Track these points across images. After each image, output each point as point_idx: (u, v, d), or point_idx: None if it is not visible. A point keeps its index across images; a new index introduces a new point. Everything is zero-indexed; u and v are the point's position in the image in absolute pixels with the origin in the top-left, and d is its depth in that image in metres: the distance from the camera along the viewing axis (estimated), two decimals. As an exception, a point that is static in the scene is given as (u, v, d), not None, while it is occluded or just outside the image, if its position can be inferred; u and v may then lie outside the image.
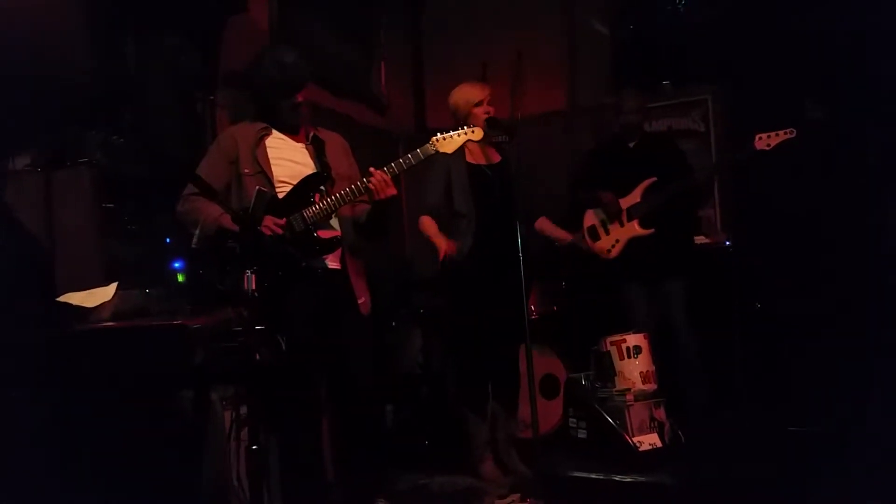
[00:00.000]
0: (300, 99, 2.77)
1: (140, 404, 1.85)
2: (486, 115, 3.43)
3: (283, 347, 2.25)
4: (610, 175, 3.88)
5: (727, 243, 4.27)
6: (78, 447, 1.79)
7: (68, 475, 1.79)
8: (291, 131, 2.84)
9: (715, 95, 4.86)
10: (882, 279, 3.79)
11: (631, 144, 3.95)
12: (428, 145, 2.79)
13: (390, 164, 2.74)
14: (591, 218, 3.92)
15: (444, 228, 3.53)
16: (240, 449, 2.21)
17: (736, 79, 4.62)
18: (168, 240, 3.06)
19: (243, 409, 2.33)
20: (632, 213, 3.79)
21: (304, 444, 2.71)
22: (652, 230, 3.76)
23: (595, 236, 3.90)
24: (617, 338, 3.16)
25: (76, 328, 1.83)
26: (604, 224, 3.88)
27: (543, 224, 3.73)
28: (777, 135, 3.45)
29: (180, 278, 2.95)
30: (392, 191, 2.73)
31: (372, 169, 2.71)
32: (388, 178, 2.70)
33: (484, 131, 3.02)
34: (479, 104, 3.47)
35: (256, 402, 2.03)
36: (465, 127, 2.86)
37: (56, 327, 1.80)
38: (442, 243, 3.41)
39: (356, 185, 2.71)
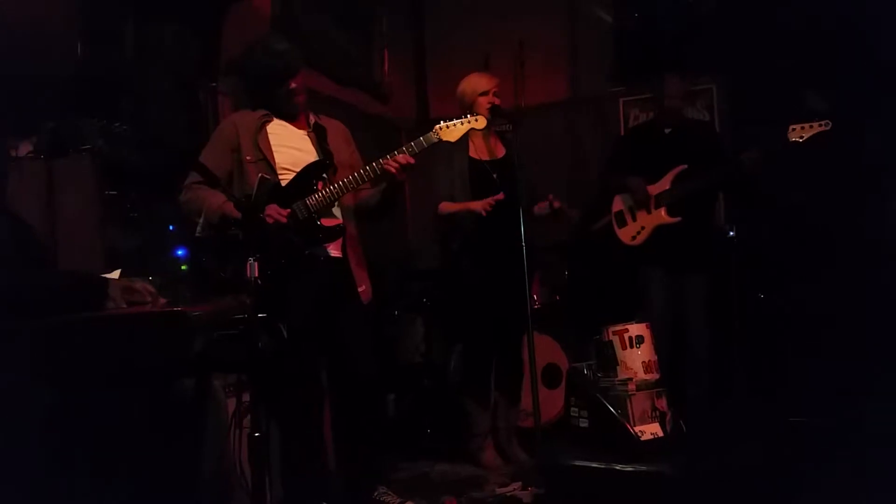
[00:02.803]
0: (293, 85, 2.75)
1: (141, 392, 1.85)
2: (490, 105, 3.43)
3: (285, 335, 2.24)
4: (643, 160, 3.82)
5: (731, 234, 4.25)
6: (77, 435, 1.79)
7: (67, 463, 1.79)
8: (289, 118, 2.83)
9: (719, 85, 4.85)
10: (884, 271, 3.78)
11: (667, 130, 3.87)
12: (431, 133, 2.80)
13: (393, 151, 2.74)
14: (618, 203, 3.87)
15: (442, 217, 3.55)
16: (241, 436, 2.21)
17: (740, 68, 4.60)
18: (171, 227, 3.06)
19: (245, 397, 2.33)
20: (659, 200, 3.72)
21: (306, 432, 2.72)
22: (678, 219, 3.70)
23: (621, 222, 3.85)
24: (619, 327, 3.15)
25: (75, 316, 1.82)
26: (631, 210, 3.81)
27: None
28: (811, 126, 3.31)
29: (183, 266, 2.95)
30: (403, 174, 2.75)
31: (396, 156, 2.71)
32: (412, 160, 2.71)
33: (487, 120, 3.02)
34: (484, 93, 3.48)
35: (258, 390, 2.03)
36: (469, 115, 2.87)
37: (56, 315, 1.79)
38: (475, 204, 3.38)
39: (360, 173, 2.72)
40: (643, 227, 3.77)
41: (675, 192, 3.69)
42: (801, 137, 3.34)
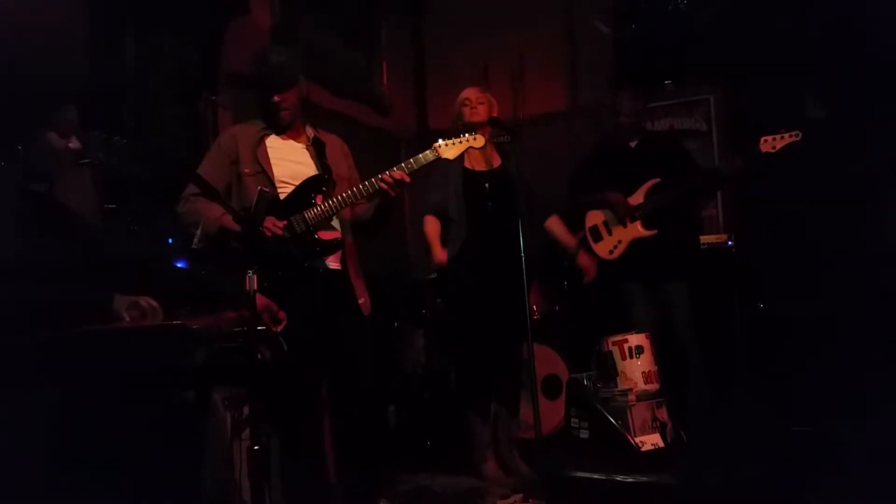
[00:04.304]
0: (276, 99, 2.75)
1: (141, 405, 1.85)
2: (472, 115, 3.51)
3: (285, 348, 2.24)
4: (612, 176, 3.84)
5: (730, 243, 4.26)
6: (78, 448, 1.79)
7: (68, 476, 1.78)
8: (278, 131, 2.83)
9: (717, 95, 4.86)
10: (883, 279, 3.78)
11: (632, 144, 3.91)
12: (429, 151, 2.80)
13: (392, 167, 2.74)
14: (593, 218, 3.89)
15: (443, 230, 3.58)
16: (242, 449, 2.21)
17: (738, 78, 4.62)
18: (170, 240, 3.06)
19: (245, 410, 2.33)
20: (634, 213, 3.76)
21: (306, 445, 2.71)
22: (654, 231, 3.73)
23: (597, 237, 3.87)
24: (619, 338, 3.16)
25: (78, 330, 1.82)
26: (607, 225, 3.84)
27: (554, 225, 3.72)
28: (782, 137, 3.40)
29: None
30: (398, 190, 2.75)
31: (391, 171, 2.72)
32: (407, 178, 2.71)
33: (485, 138, 3.03)
34: (465, 104, 3.55)
35: (258, 403, 2.03)
36: (468, 133, 2.87)
37: (59, 329, 1.80)
38: (437, 252, 3.52)
39: (358, 188, 2.72)
40: (620, 241, 3.79)
41: (650, 206, 3.73)
42: (774, 148, 3.42)
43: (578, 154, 4.64)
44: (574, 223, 3.94)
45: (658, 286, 3.78)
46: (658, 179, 3.74)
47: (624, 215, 3.77)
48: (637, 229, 3.75)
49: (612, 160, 3.94)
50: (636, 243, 3.76)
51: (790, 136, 3.41)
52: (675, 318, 3.75)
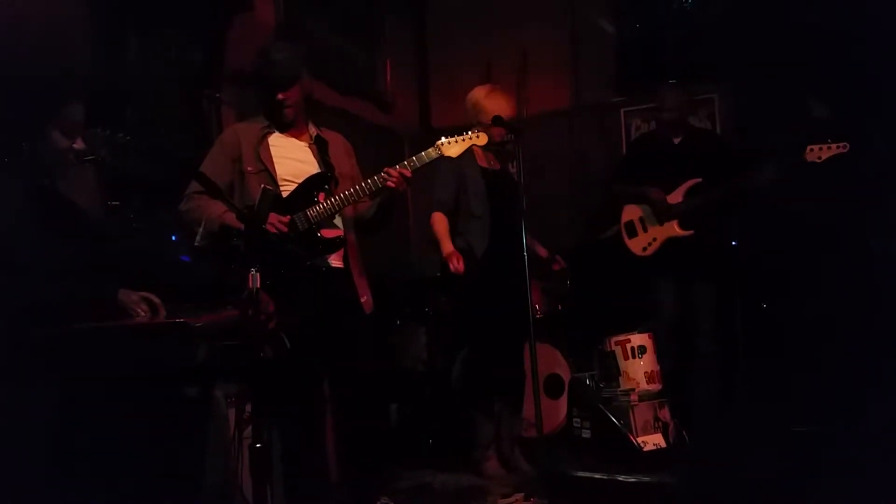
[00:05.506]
0: (280, 97, 2.74)
1: (143, 402, 1.85)
2: (500, 135, 3.41)
3: (288, 345, 2.25)
4: (653, 171, 3.80)
5: (733, 243, 4.25)
6: (79, 446, 1.79)
7: (69, 474, 1.79)
8: (281, 129, 2.83)
9: (721, 94, 4.85)
10: (885, 278, 3.78)
11: (676, 140, 3.86)
12: (432, 149, 2.80)
13: (394, 166, 2.74)
14: (629, 213, 3.86)
15: (455, 228, 3.54)
16: (243, 447, 2.21)
17: (743, 77, 4.61)
18: (174, 237, 3.07)
19: (247, 407, 2.34)
20: (673, 212, 3.72)
21: (308, 443, 2.72)
22: (691, 231, 3.69)
23: (632, 232, 3.84)
24: (621, 338, 3.16)
25: (81, 327, 1.83)
26: (643, 221, 3.80)
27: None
28: (829, 148, 3.30)
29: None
30: (403, 185, 2.75)
31: (388, 168, 2.71)
32: (408, 172, 2.70)
33: (490, 138, 3.01)
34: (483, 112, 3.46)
35: (260, 400, 2.03)
36: (470, 131, 2.87)
37: (65, 325, 1.80)
38: (446, 245, 3.41)
39: (361, 186, 2.72)
40: (654, 239, 3.76)
41: (689, 206, 3.68)
42: (819, 158, 3.33)
43: (579, 153, 4.64)
44: (609, 216, 3.92)
45: (687, 285, 3.76)
46: (699, 179, 3.69)
47: (662, 214, 3.73)
48: (673, 228, 3.72)
49: (654, 155, 3.89)
50: (670, 241, 3.73)
51: (838, 146, 3.30)
52: (700, 319, 3.72)
